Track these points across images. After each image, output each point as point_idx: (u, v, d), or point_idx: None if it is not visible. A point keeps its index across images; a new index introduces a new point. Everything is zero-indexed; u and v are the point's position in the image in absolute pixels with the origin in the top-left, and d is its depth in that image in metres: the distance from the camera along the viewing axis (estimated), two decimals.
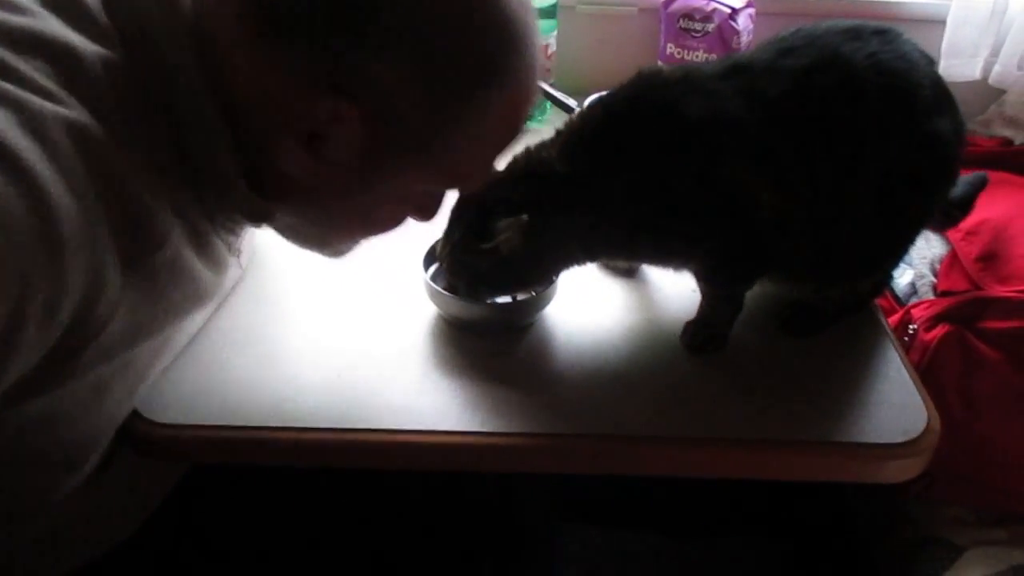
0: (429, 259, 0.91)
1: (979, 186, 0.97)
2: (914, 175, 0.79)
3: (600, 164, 0.77)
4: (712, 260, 0.82)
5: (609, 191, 0.77)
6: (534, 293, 0.88)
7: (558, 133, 0.81)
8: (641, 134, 0.77)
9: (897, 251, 0.89)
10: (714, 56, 1.29)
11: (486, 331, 0.88)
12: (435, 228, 0.88)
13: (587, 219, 0.78)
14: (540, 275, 0.86)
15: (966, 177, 0.97)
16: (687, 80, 0.78)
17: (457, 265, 0.84)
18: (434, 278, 0.89)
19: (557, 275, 0.87)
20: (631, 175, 0.77)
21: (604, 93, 0.82)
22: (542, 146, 0.81)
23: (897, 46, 0.78)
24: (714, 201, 0.77)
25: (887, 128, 0.77)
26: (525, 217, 0.76)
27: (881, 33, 0.79)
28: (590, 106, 0.82)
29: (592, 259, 0.87)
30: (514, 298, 0.89)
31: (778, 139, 0.75)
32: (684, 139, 0.76)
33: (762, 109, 0.75)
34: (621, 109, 0.79)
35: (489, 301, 0.87)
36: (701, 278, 0.85)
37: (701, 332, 0.86)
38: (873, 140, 0.77)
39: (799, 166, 0.76)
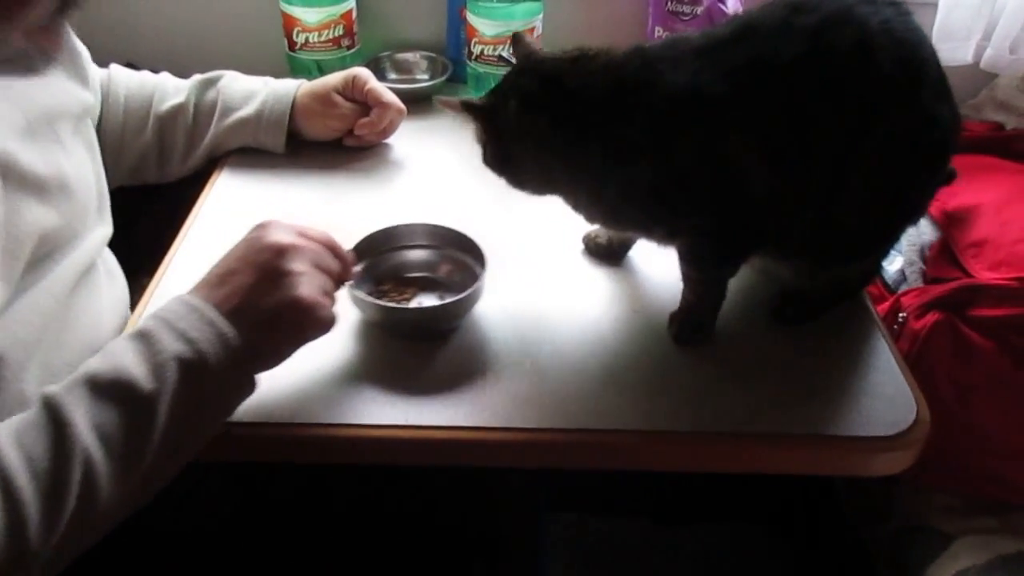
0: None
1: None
2: (914, 157, 0.78)
3: (613, 114, 0.76)
4: (697, 236, 0.81)
5: (620, 138, 0.76)
6: (446, 300, 0.85)
7: (595, 57, 0.79)
8: (652, 100, 0.76)
9: (889, 237, 0.88)
10: None
11: (405, 335, 0.85)
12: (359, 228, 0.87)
13: (590, 150, 0.77)
14: (530, 173, 0.83)
15: None
16: (704, 54, 0.76)
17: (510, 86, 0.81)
18: (357, 284, 0.83)
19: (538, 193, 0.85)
20: (636, 135, 0.76)
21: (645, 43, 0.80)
22: (597, 54, 0.79)
23: (909, 20, 0.77)
24: (708, 175, 0.76)
25: (895, 99, 0.76)
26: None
27: (894, 4, 0.78)
28: (629, 52, 0.79)
29: (577, 207, 0.84)
30: (441, 298, 0.87)
31: (782, 111, 0.74)
32: (691, 113, 0.75)
33: (772, 78, 0.74)
34: (639, 71, 0.77)
35: (408, 306, 0.85)
36: (685, 259, 0.84)
37: (687, 323, 0.85)
38: (880, 108, 0.75)
39: (799, 139, 0.75)
